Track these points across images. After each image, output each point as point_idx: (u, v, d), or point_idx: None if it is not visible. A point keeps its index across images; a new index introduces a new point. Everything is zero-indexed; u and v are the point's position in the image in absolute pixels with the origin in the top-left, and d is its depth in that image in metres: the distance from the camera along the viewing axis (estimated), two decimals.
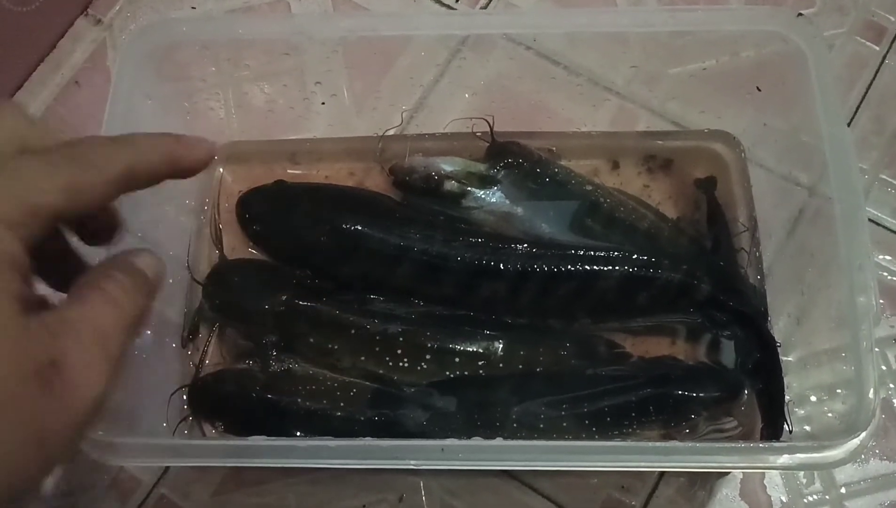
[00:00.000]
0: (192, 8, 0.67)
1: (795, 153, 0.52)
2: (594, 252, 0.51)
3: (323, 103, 0.59)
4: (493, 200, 0.55)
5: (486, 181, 0.55)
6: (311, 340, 0.52)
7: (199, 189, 0.59)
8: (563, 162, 0.58)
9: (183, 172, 0.34)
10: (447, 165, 0.55)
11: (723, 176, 0.58)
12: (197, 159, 0.34)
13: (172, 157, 0.33)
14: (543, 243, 0.53)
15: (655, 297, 0.52)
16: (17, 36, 0.63)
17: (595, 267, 0.51)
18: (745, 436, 0.49)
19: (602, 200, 0.56)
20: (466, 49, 0.59)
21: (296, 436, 0.49)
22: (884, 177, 0.60)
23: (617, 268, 0.51)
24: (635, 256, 0.51)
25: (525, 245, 0.52)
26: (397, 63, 0.60)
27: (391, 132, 0.59)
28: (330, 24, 0.52)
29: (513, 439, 0.47)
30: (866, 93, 0.62)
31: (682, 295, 0.52)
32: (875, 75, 0.63)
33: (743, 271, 0.54)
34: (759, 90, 0.54)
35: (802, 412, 0.48)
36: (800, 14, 0.47)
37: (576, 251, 0.52)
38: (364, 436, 0.47)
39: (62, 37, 0.67)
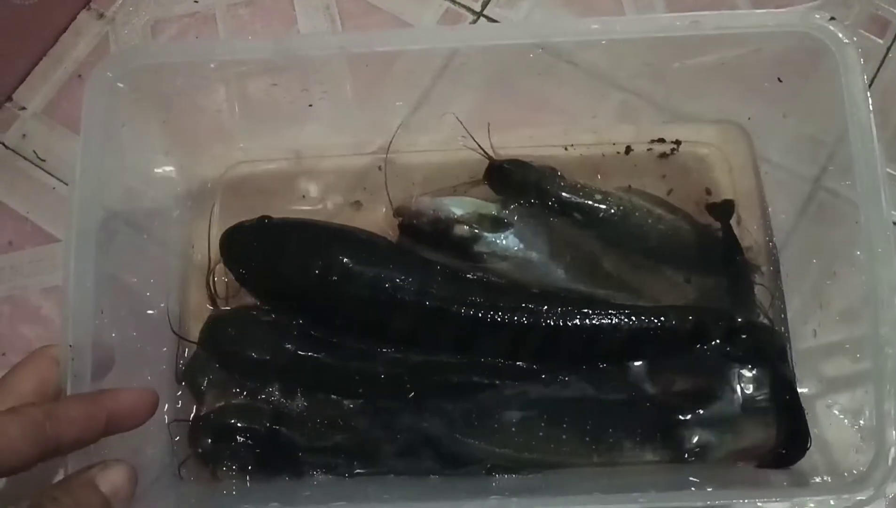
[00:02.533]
0: (195, 2, 0.67)
1: (805, 147, 0.52)
2: (596, 309, 0.50)
3: (311, 105, 0.57)
4: (507, 243, 0.53)
5: (497, 224, 0.53)
6: (318, 395, 0.51)
7: (194, 203, 0.59)
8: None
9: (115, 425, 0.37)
10: (457, 208, 0.53)
11: (732, 170, 0.58)
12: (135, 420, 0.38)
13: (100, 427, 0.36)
14: (547, 296, 0.51)
15: (664, 347, 0.51)
16: (19, 30, 0.63)
17: (599, 322, 0.50)
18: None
19: (614, 207, 0.54)
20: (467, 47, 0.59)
21: (302, 469, 0.49)
22: (888, 171, 0.60)
23: (622, 322, 0.50)
24: (641, 311, 0.50)
25: (526, 300, 0.50)
26: (396, 65, 0.59)
27: (389, 136, 0.58)
28: (322, 43, 0.50)
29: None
30: (870, 86, 0.62)
31: (691, 342, 0.51)
32: (879, 69, 0.63)
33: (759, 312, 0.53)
34: (781, 81, 0.53)
35: (811, 411, 0.48)
36: (832, 18, 0.47)
37: (579, 309, 0.50)
38: (375, 461, 0.48)
39: (65, 31, 0.67)
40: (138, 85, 0.48)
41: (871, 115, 0.45)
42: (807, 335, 0.50)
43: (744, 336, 0.51)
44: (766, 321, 0.53)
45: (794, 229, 0.54)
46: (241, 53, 0.49)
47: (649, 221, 0.54)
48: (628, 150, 0.59)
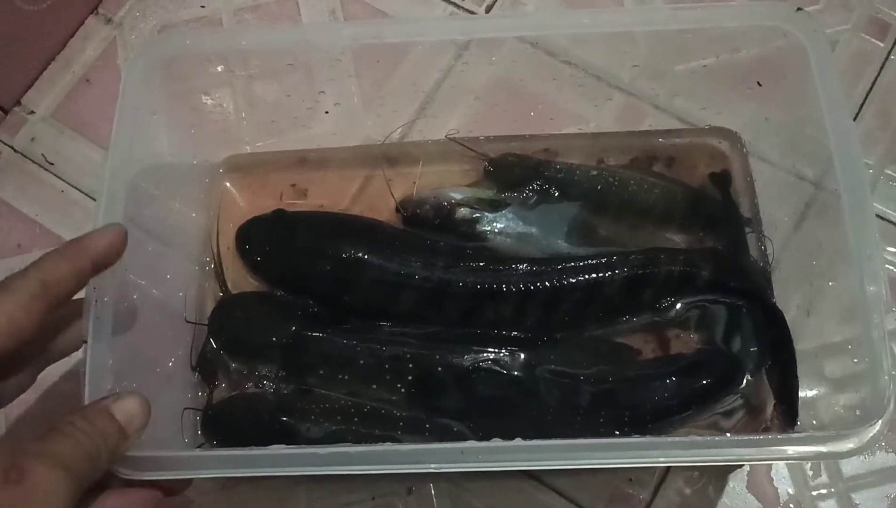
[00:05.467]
0: (202, 7, 0.68)
1: (799, 147, 0.52)
2: (592, 261, 0.52)
3: (327, 112, 0.59)
4: (507, 221, 0.56)
5: (496, 205, 0.56)
6: (321, 372, 0.52)
7: (206, 191, 0.60)
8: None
9: (99, 268, 0.39)
10: (456, 194, 0.56)
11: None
12: (106, 252, 0.40)
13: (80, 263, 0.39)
14: (544, 260, 0.53)
15: (659, 291, 0.52)
16: (28, 34, 0.64)
17: (595, 275, 0.51)
18: (756, 411, 0.50)
19: (610, 179, 0.57)
20: (471, 50, 0.59)
21: None
22: (889, 172, 0.60)
23: (617, 272, 0.51)
24: (632, 255, 0.52)
25: (525, 264, 0.52)
26: (401, 67, 0.61)
27: (395, 137, 0.60)
28: (334, 34, 0.52)
29: None
30: (871, 89, 0.63)
31: (685, 284, 0.52)
32: (880, 71, 0.63)
33: (753, 259, 0.55)
34: (760, 85, 0.55)
35: (811, 402, 0.48)
36: (799, 9, 0.48)
37: (575, 263, 0.52)
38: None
39: (73, 35, 0.67)
40: (154, 78, 0.50)
41: (846, 102, 0.46)
42: (806, 336, 0.50)
43: (731, 282, 0.53)
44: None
45: (792, 233, 0.54)
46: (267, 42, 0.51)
47: (645, 187, 0.56)
48: (600, 162, 0.60)
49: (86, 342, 0.41)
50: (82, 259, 0.39)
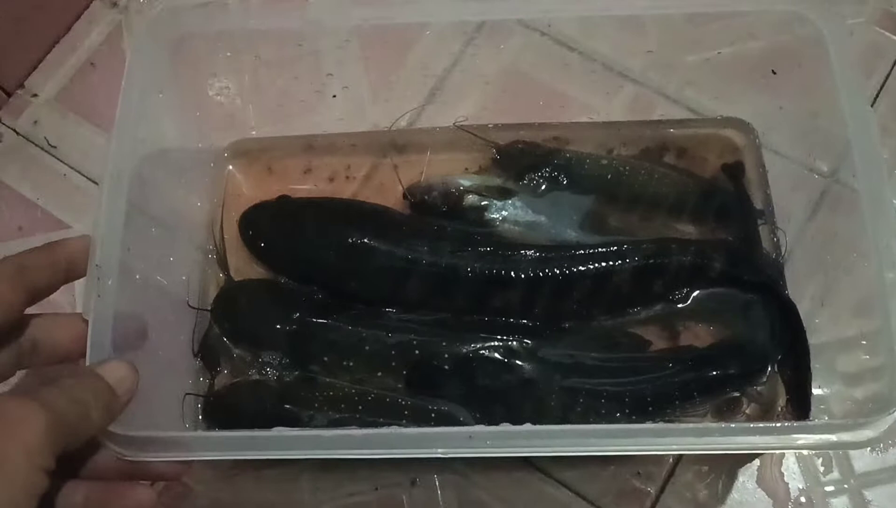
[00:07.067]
0: None
1: (813, 136, 0.52)
2: (602, 249, 0.51)
3: (334, 96, 0.59)
4: (515, 209, 0.55)
5: (504, 193, 0.56)
6: (326, 359, 0.51)
7: (211, 181, 0.59)
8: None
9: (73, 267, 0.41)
10: (465, 181, 0.56)
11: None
12: (80, 252, 0.41)
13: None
14: (554, 246, 0.53)
15: (670, 282, 0.52)
16: (33, 17, 0.64)
17: (605, 263, 0.51)
18: (767, 405, 0.49)
19: (621, 168, 0.56)
20: (481, 37, 0.59)
21: None
22: None
23: (627, 261, 0.51)
24: (644, 245, 0.52)
25: (534, 251, 0.52)
26: (411, 53, 0.60)
27: (403, 123, 0.59)
28: (343, 14, 0.52)
29: None
30: (885, 82, 0.62)
31: (697, 275, 0.51)
32: (894, 65, 0.63)
33: (766, 252, 0.54)
34: (775, 73, 0.54)
35: (823, 397, 0.47)
36: None
37: (585, 251, 0.51)
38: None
39: (78, 19, 0.67)
40: (160, 60, 0.49)
41: (864, 88, 0.45)
42: (819, 328, 0.50)
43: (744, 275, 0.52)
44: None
45: (805, 225, 0.54)
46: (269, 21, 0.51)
47: (656, 177, 0.56)
48: (611, 152, 0.59)
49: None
50: (57, 253, 0.40)
